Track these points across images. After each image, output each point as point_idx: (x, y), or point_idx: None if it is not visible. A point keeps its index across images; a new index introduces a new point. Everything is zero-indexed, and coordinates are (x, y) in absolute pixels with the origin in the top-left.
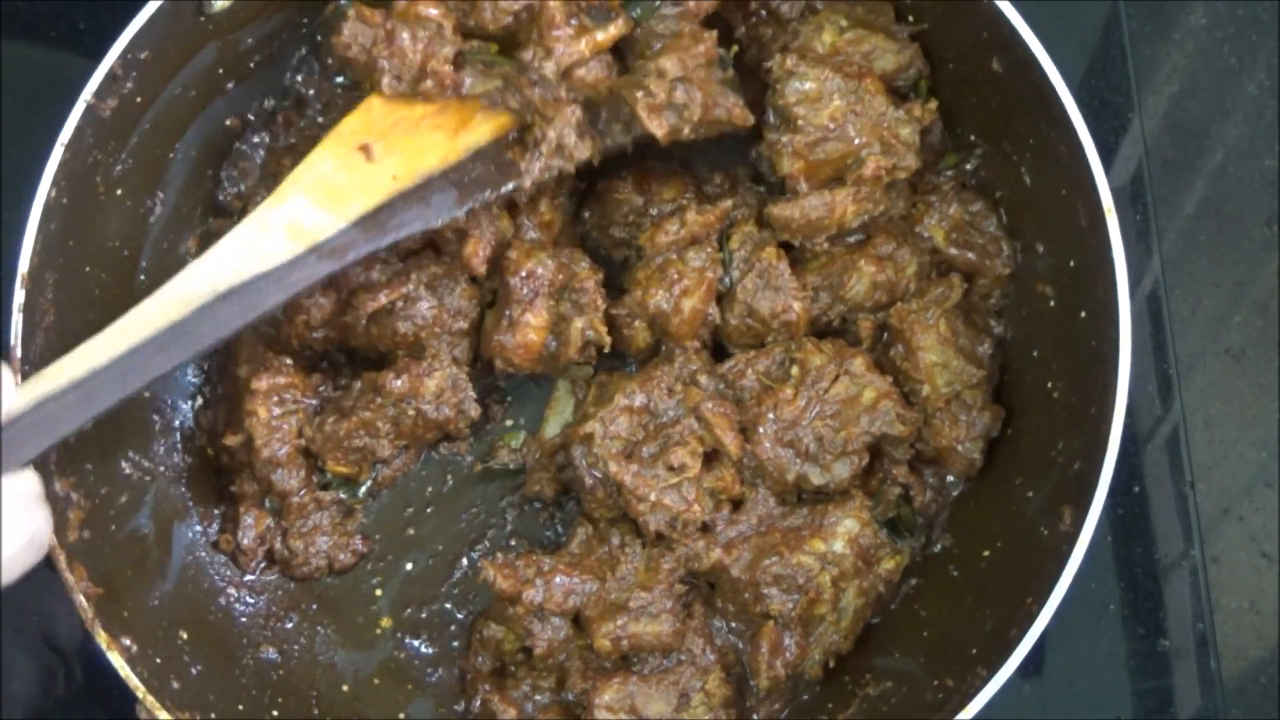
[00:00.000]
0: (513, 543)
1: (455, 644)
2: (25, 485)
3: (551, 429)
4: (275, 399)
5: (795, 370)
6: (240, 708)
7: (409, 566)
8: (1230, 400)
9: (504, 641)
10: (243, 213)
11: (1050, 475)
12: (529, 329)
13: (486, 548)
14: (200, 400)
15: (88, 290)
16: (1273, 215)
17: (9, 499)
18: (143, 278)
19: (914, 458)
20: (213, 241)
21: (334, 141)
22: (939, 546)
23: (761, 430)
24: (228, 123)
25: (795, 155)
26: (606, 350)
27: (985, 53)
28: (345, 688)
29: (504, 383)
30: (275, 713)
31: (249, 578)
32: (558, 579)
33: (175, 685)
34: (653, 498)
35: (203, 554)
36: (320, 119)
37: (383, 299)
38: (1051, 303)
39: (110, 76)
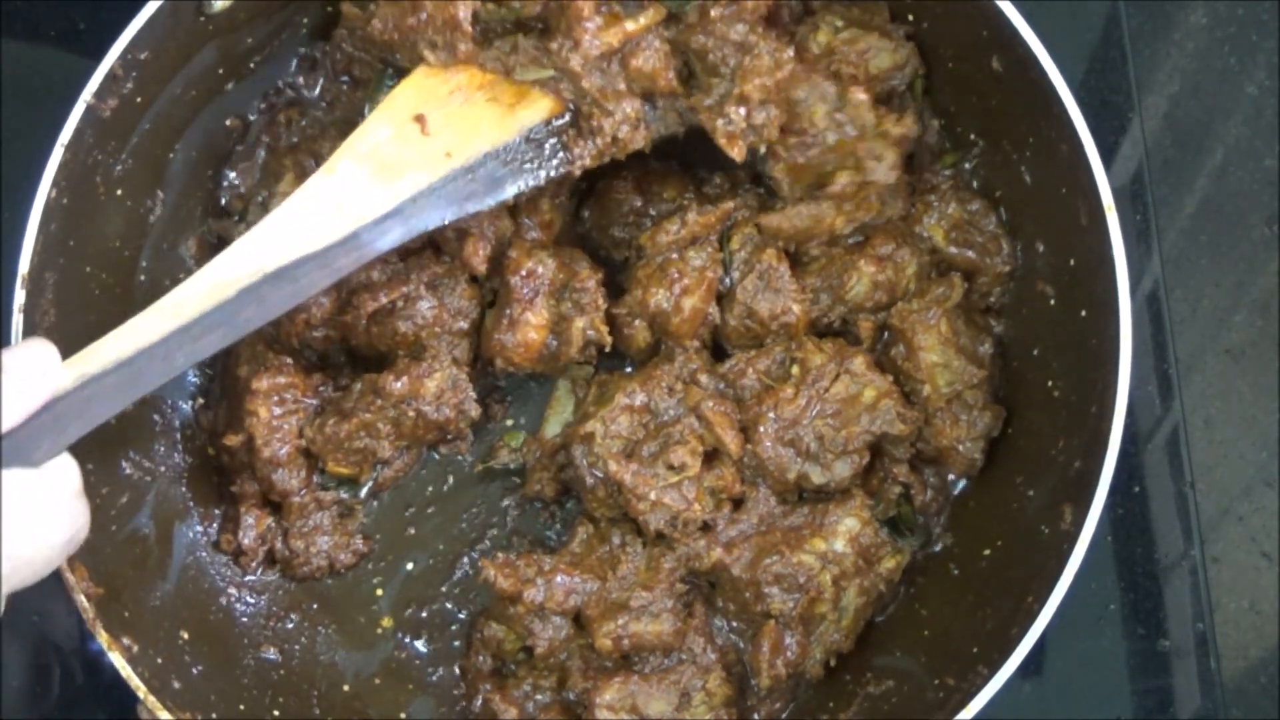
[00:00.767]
0: (513, 542)
1: (456, 643)
2: (69, 477)
3: (552, 428)
4: (276, 399)
5: (796, 369)
6: (241, 707)
7: (410, 566)
8: (1230, 400)
9: (505, 641)
10: (243, 213)
11: (1051, 474)
12: (529, 328)
13: (487, 547)
14: (201, 400)
15: (88, 291)
16: (1273, 215)
17: (56, 491)
18: (143, 278)
19: (914, 457)
20: (213, 241)
21: (388, 109)
22: (940, 545)
23: (762, 429)
24: (228, 123)
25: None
26: (608, 350)
27: (985, 51)
28: (346, 687)
29: (504, 382)
30: (276, 712)
31: (250, 578)
32: (558, 578)
33: (176, 685)
34: (653, 497)
35: (203, 554)
36: (323, 118)
37: (383, 299)
38: (1052, 301)
39: (110, 76)
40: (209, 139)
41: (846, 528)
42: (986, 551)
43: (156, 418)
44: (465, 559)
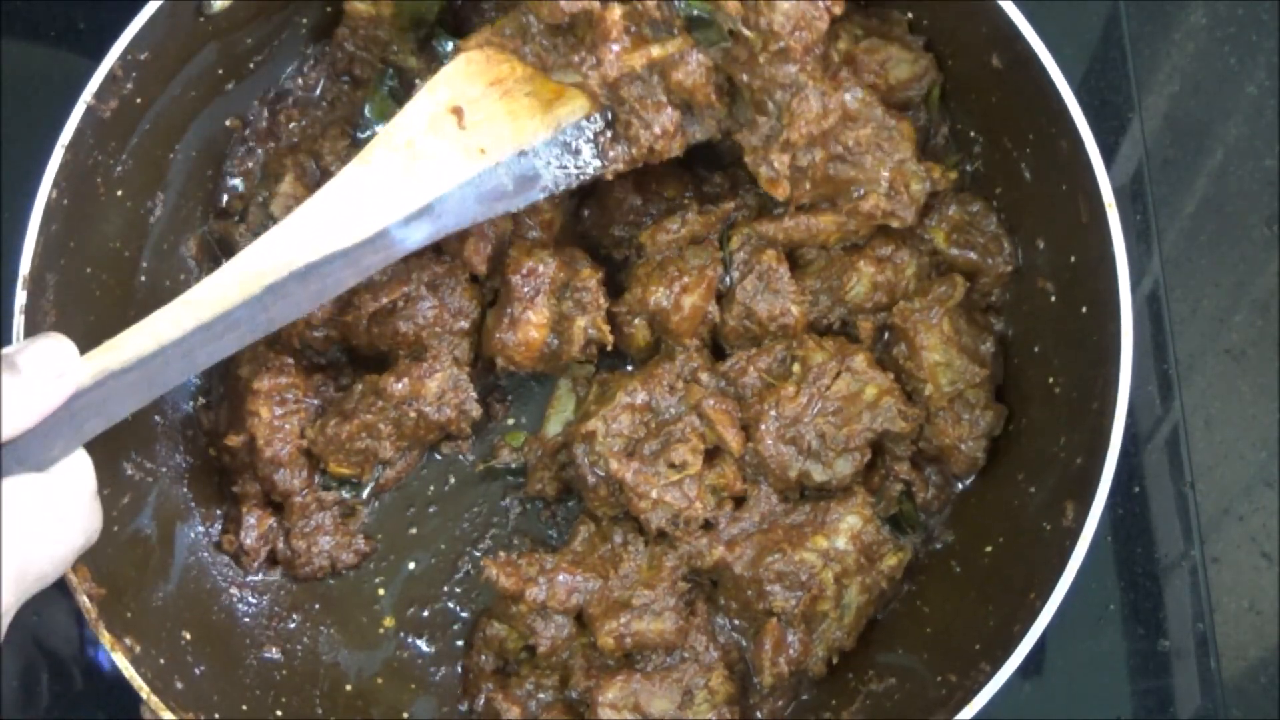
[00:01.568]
0: (515, 541)
1: (458, 643)
2: (84, 478)
3: (553, 428)
4: (277, 399)
5: (797, 367)
6: (244, 708)
7: (412, 566)
8: (1230, 400)
9: (507, 640)
10: (243, 213)
11: (1052, 471)
12: (530, 327)
13: (489, 546)
14: (202, 401)
15: (89, 292)
16: (1273, 215)
17: (70, 495)
18: (143, 278)
19: (916, 455)
20: (213, 241)
21: (428, 97)
22: (941, 543)
23: (763, 427)
24: (228, 123)
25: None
26: (609, 348)
27: (985, 49)
28: (349, 687)
29: (505, 382)
30: (279, 712)
31: (252, 578)
32: (560, 577)
33: (179, 685)
34: (654, 495)
35: (205, 554)
36: (323, 118)
37: (383, 299)
38: (1052, 298)
39: (110, 77)
40: (209, 139)
41: (848, 525)
42: (988, 548)
43: (158, 418)
44: (467, 558)
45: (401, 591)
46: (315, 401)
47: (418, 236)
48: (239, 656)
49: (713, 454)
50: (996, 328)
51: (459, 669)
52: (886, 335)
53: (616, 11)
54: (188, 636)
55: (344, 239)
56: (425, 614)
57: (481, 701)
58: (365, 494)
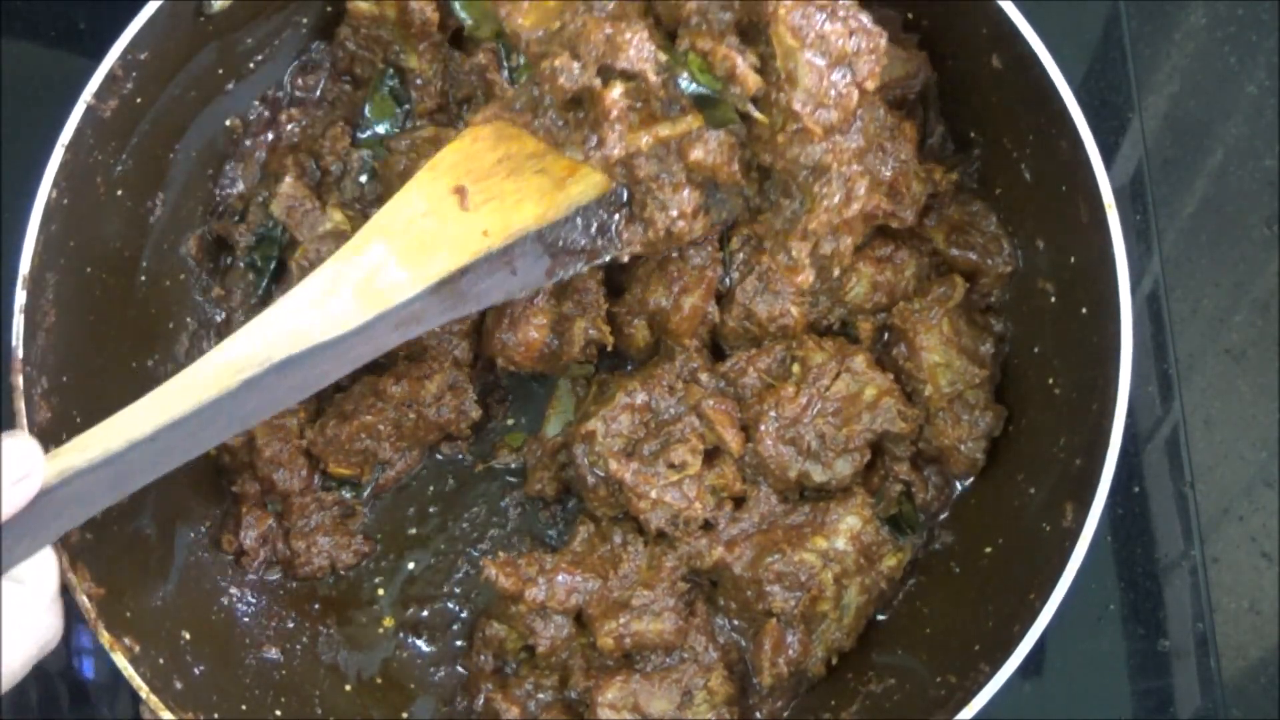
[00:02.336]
0: (515, 541)
1: (458, 643)
2: (46, 581)
3: (553, 428)
4: None
5: (796, 368)
6: (243, 708)
7: (411, 566)
8: (1230, 400)
9: (507, 640)
10: (243, 213)
11: (1052, 471)
12: (530, 327)
13: (488, 547)
14: None
15: (89, 292)
16: (1273, 215)
17: (28, 600)
18: (143, 278)
19: (915, 455)
20: (213, 241)
21: (429, 177)
22: (941, 543)
23: (763, 428)
24: (228, 123)
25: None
26: (609, 349)
27: (985, 50)
28: (348, 687)
29: (505, 382)
30: (278, 712)
31: (251, 578)
32: (560, 577)
33: (178, 685)
34: (654, 495)
35: (205, 554)
36: (324, 118)
37: None
38: (1052, 299)
39: (110, 77)
40: (209, 139)
41: (848, 526)
42: (988, 549)
43: None
44: (467, 558)
45: (401, 591)
46: (314, 402)
47: (413, 326)
48: (238, 656)
49: (712, 454)
50: (996, 328)
51: (459, 669)
52: (886, 336)
53: (617, 89)
54: (187, 636)
55: (329, 330)
56: (425, 614)
57: (481, 701)
58: (365, 494)
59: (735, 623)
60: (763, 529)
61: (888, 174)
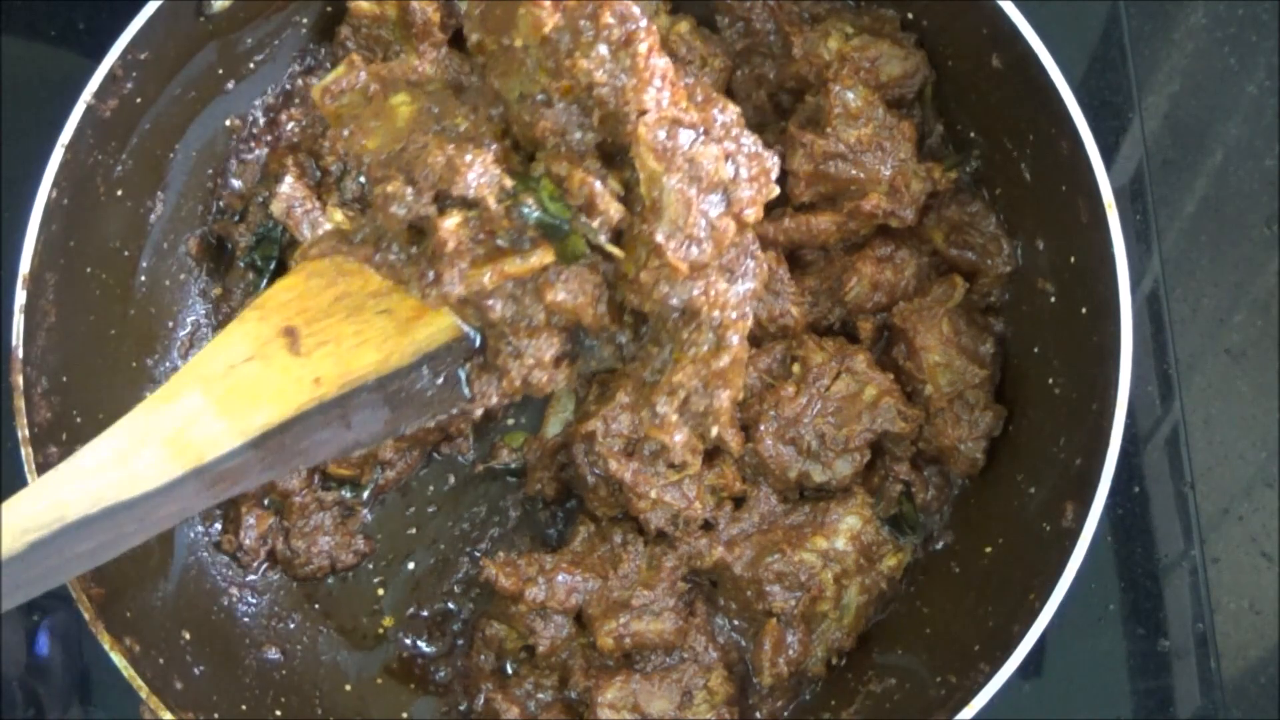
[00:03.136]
0: (515, 541)
1: (458, 643)
2: None
3: (553, 428)
4: None
5: (797, 368)
6: (243, 707)
7: (411, 566)
8: (1230, 400)
9: (507, 640)
10: (243, 213)
11: (1052, 471)
12: None
13: (489, 546)
14: None
15: (88, 291)
16: (1273, 215)
17: None
18: (143, 278)
19: (915, 455)
20: (213, 241)
21: (254, 317)
22: (941, 543)
23: (763, 428)
24: (228, 123)
25: (808, 157)
26: None
27: (985, 50)
28: (348, 687)
29: None
30: (279, 712)
31: (251, 578)
32: (560, 577)
33: (178, 685)
34: (654, 495)
35: (205, 554)
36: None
37: None
38: (1052, 299)
39: (110, 77)
40: (209, 139)
41: (848, 526)
42: (988, 549)
43: None
44: (467, 558)
45: (401, 591)
46: None
47: (231, 485)
48: (238, 656)
49: (712, 454)
50: (996, 328)
51: (459, 669)
52: (886, 336)
53: (454, 219)
54: (187, 636)
55: (131, 488)
56: (425, 614)
57: (481, 701)
58: (365, 495)
59: (735, 623)
60: (763, 529)
61: (888, 172)
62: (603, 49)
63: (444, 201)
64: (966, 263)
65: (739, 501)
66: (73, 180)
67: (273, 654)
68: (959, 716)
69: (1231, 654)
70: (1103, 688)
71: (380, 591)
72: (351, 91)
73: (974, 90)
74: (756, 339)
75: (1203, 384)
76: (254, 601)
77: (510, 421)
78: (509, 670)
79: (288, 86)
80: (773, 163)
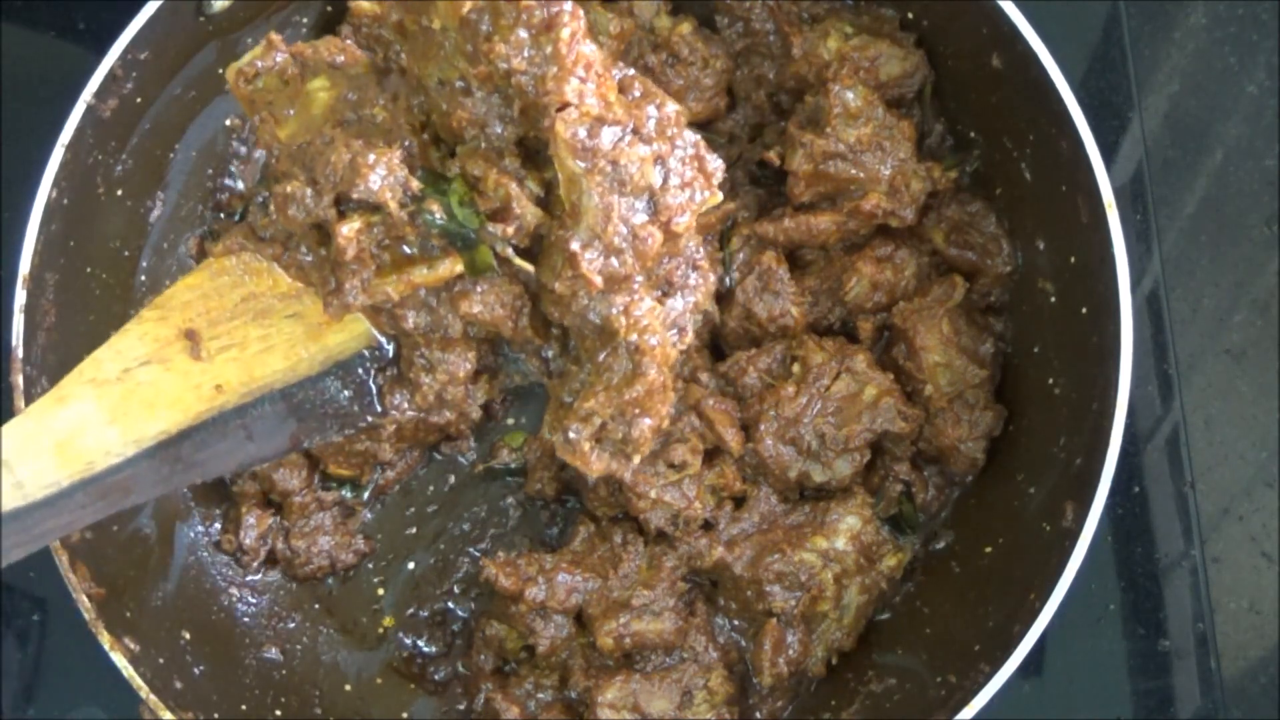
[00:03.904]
0: (515, 541)
1: (458, 643)
2: None
3: None
4: None
5: (797, 367)
6: (243, 707)
7: (411, 566)
8: (1230, 400)
9: (507, 640)
10: (243, 213)
11: (1052, 471)
12: None
13: (489, 546)
14: None
15: (88, 291)
16: (1273, 215)
17: None
18: (143, 278)
19: (915, 455)
20: (213, 241)
21: (154, 317)
22: (941, 543)
23: (763, 427)
24: (228, 123)
25: (808, 157)
26: None
27: (985, 50)
28: (348, 687)
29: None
30: (278, 712)
31: (251, 578)
32: (560, 577)
33: (178, 685)
34: (654, 495)
35: (205, 554)
36: None
37: None
38: (1052, 299)
39: (110, 77)
40: (209, 139)
41: (848, 526)
42: (988, 549)
43: None
44: (467, 558)
45: (401, 591)
46: None
47: (122, 497)
48: (238, 656)
49: (712, 454)
50: (996, 328)
51: (459, 669)
52: (886, 336)
53: (353, 224)
54: (187, 636)
55: (12, 499)
56: (425, 614)
57: (481, 701)
58: (365, 495)
59: (735, 623)
60: (763, 529)
61: (887, 171)
62: (522, 33)
63: (346, 204)
64: (966, 263)
65: (739, 501)
66: (73, 180)
67: (273, 654)
68: (959, 716)
69: (1231, 654)
70: (1103, 688)
71: (380, 591)
72: (268, 74)
73: (974, 90)
74: (756, 339)
75: (1203, 384)
76: (254, 601)
77: (510, 421)
78: (509, 670)
79: None
80: (715, 165)
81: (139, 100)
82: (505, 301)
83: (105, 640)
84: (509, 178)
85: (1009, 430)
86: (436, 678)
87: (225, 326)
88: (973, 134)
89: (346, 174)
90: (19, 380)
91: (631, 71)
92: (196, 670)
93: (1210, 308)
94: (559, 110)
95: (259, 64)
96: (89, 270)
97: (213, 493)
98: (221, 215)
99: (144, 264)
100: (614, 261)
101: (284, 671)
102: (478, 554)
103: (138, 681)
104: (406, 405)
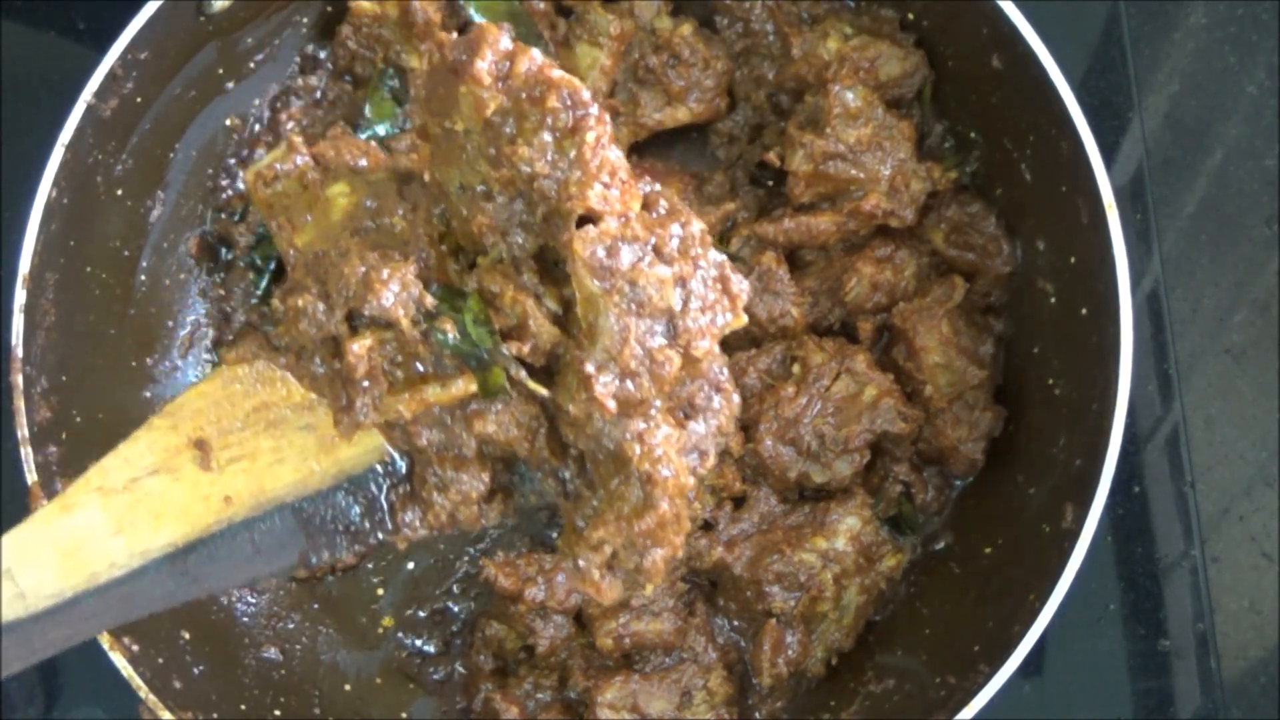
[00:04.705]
0: (515, 541)
1: (458, 643)
2: None
3: None
4: None
5: (797, 368)
6: (243, 707)
7: (411, 566)
8: (1230, 400)
9: (506, 640)
10: (243, 213)
11: (1052, 472)
12: None
13: (488, 546)
14: None
15: (88, 291)
16: (1273, 215)
17: None
18: (143, 278)
19: (915, 456)
20: (213, 241)
21: (164, 425)
22: (941, 544)
23: (763, 428)
24: (228, 123)
25: (808, 157)
26: None
27: (985, 50)
28: (348, 687)
29: None
30: (278, 712)
31: None
32: (560, 577)
33: (178, 685)
34: None
35: None
36: (324, 117)
37: None
38: (1052, 300)
39: (110, 77)
40: (209, 139)
41: (847, 526)
42: (988, 550)
43: None
44: (467, 558)
45: (401, 591)
46: None
47: (126, 610)
48: (238, 656)
49: None
50: (996, 328)
51: (459, 669)
52: (886, 336)
53: (365, 341)
54: (186, 636)
55: (13, 609)
56: (425, 614)
57: (481, 701)
58: None
59: (735, 623)
60: (762, 529)
61: (887, 172)
62: (546, 136)
63: (358, 319)
64: (966, 263)
65: (739, 501)
66: (73, 180)
67: (272, 654)
68: (959, 716)
69: (1231, 654)
70: (1103, 688)
71: (380, 591)
72: (288, 178)
73: (974, 90)
74: (756, 339)
75: (1203, 384)
76: (254, 601)
77: None
78: (509, 670)
79: (289, 86)
80: (740, 288)
81: (139, 100)
82: (521, 421)
83: (105, 640)
84: (526, 294)
85: (1009, 431)
86: (436, 677)
87: (236, 436)
88: (973, 134)
89: (359, 289)
90: (19, 380)
91: (658, 187)
92: (196, 670)
93: (1210, 308)
94: (579, 226)
95: (279, 167)
96: (89, 270)
97: None
98: (222, 215)
99: (144, 264)
100: (629, 385)
101: (283, 671)
102: (477, 554)
103: (137, 681)
104: (419, 523)
